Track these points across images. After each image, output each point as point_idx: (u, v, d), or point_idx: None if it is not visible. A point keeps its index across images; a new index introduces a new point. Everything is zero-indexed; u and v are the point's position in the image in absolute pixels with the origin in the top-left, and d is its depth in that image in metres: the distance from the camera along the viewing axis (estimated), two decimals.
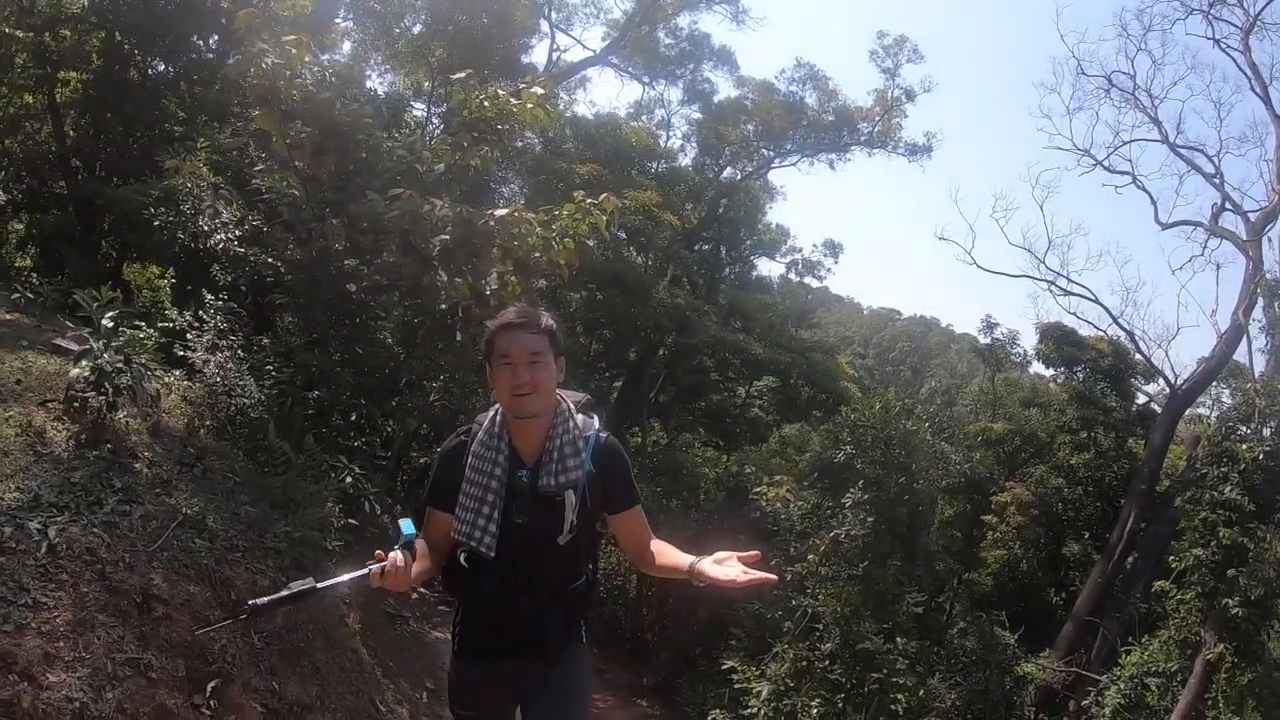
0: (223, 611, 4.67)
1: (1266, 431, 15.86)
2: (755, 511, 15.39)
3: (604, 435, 2.96)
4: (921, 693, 11.95)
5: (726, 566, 2.63)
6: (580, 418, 2.94)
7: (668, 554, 2.94)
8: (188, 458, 5.62)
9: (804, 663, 11.93)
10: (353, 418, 7.80)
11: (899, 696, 11.46)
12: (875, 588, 12.59)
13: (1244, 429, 16.10)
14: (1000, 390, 29.06)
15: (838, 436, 15.28)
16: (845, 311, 58.75)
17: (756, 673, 12.16)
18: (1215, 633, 14.14)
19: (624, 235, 21.59)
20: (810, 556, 13.06)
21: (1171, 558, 16.28)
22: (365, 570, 2.56)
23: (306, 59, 6.96)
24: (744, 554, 2.64)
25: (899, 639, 12.15)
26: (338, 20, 18.87)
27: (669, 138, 28.96)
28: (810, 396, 25.01)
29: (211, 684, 4.34)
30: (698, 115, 28.25)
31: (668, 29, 27.26)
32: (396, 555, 2.54)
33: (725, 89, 28.51)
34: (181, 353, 6.81)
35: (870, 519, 13.17)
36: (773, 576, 2.69)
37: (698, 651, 15.64)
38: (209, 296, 7.31)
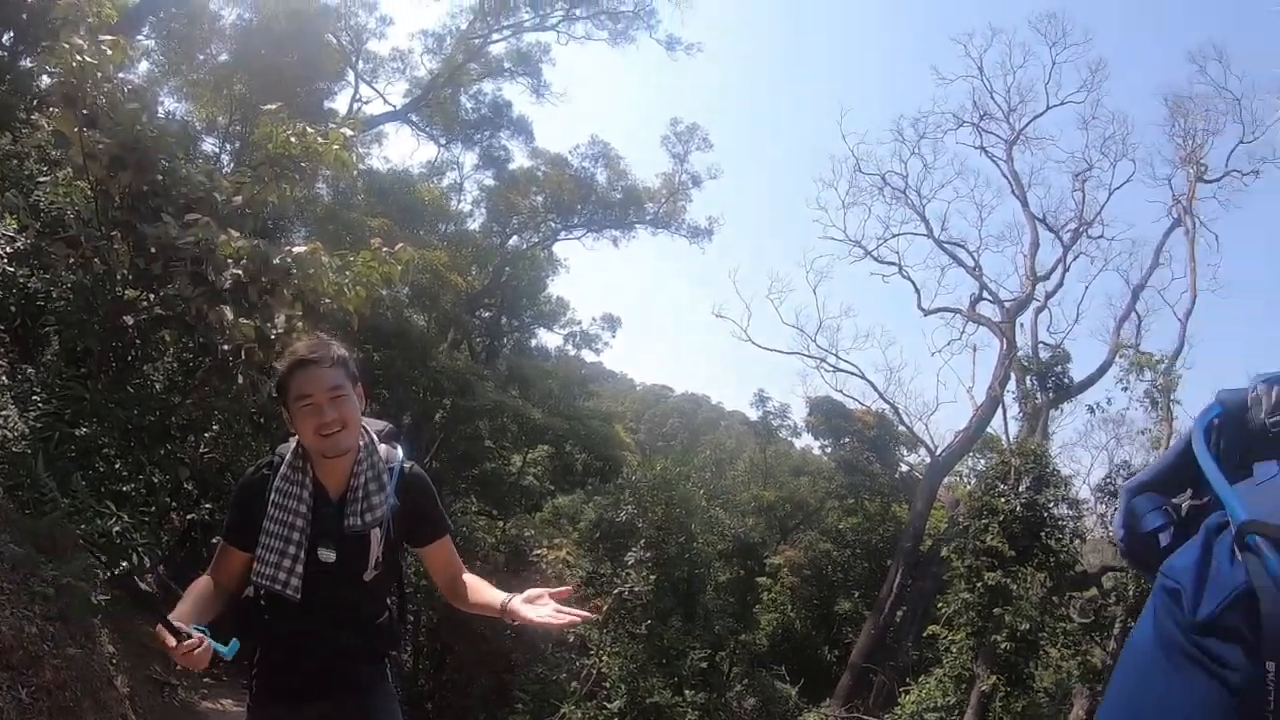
0: None
1: (1022, 487, 17.74)
2: (537, 575, 15.27)
3: (408, 466, 2.87)
4: None
5: (539, 605, 2.61)
6: (384, 448, 2.85)
7: (481, 591, 2.87)
8: None
9: None
10: (116, 465, 7.15)
11: None
12: (659, 644, 12.75)
13: (1002, 486, 17.89)
14: (771, 461, 30.43)
15: (619, 497, 15.54)
16: (618, 387, 59.78)
17: None
18: (987, 667, 15.52)
19: (408, 294, 21.21)
20: (594, 617, 13.08)
21: (940, 605, 17.83)
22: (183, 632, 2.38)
23: (121, 62, 6.48)
24: (555, 590, 2.63)
25: (687, 691, 12.30)
26: (139, 37, 17.70)
27: (460, 201, 29.06)
28: (586, 464, 25.22)
29: None
30: (490, 181, 28.60)
31: (470, 94, 27.61)
32: (198, 648, 2.36)
33: (520, 158, 29.03)
34: None
35: (653, 576, 13.39)
36: (588, 614, 2.75)
37: (481, 718, 15.15)
38: None
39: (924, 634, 18.45)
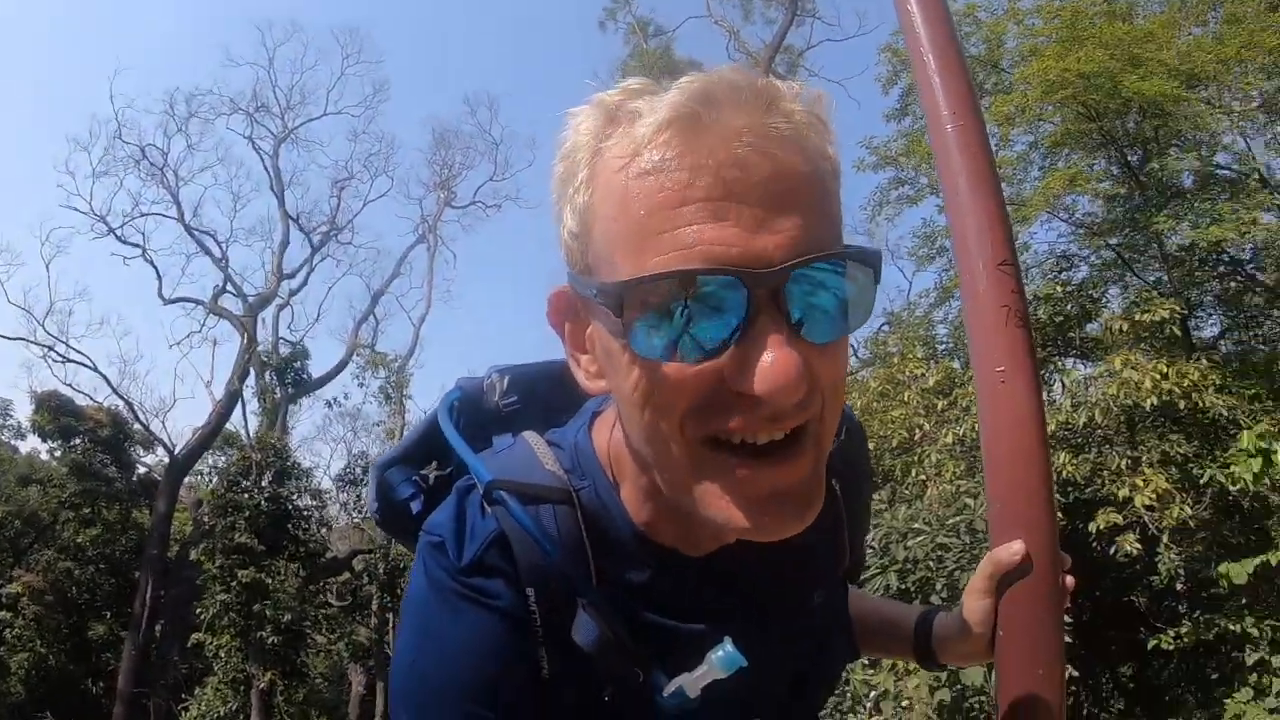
0: None
1: (265, 481, 18.72)
2: None
3: None
4: None
5: None
6: None
7: None
8: None
9: None
10: None
11: None
12: None
13: (245, 482, 18.69)
14: None
15: None
16: None
17: None
18: (260, 665, 16.17)
19: None
20: None
21: (199, 610, 17.83)
22: None
23: None
24: None
25: None
26: None
27: None
28: None
29: None
30: None
31: None
32: None
33: None
34: None
35: None
36: None
37: None
38: None
39: (189, 644, 18.55)
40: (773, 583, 1.08)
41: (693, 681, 0.96)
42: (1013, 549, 1.13)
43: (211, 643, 17.00)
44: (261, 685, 16.18)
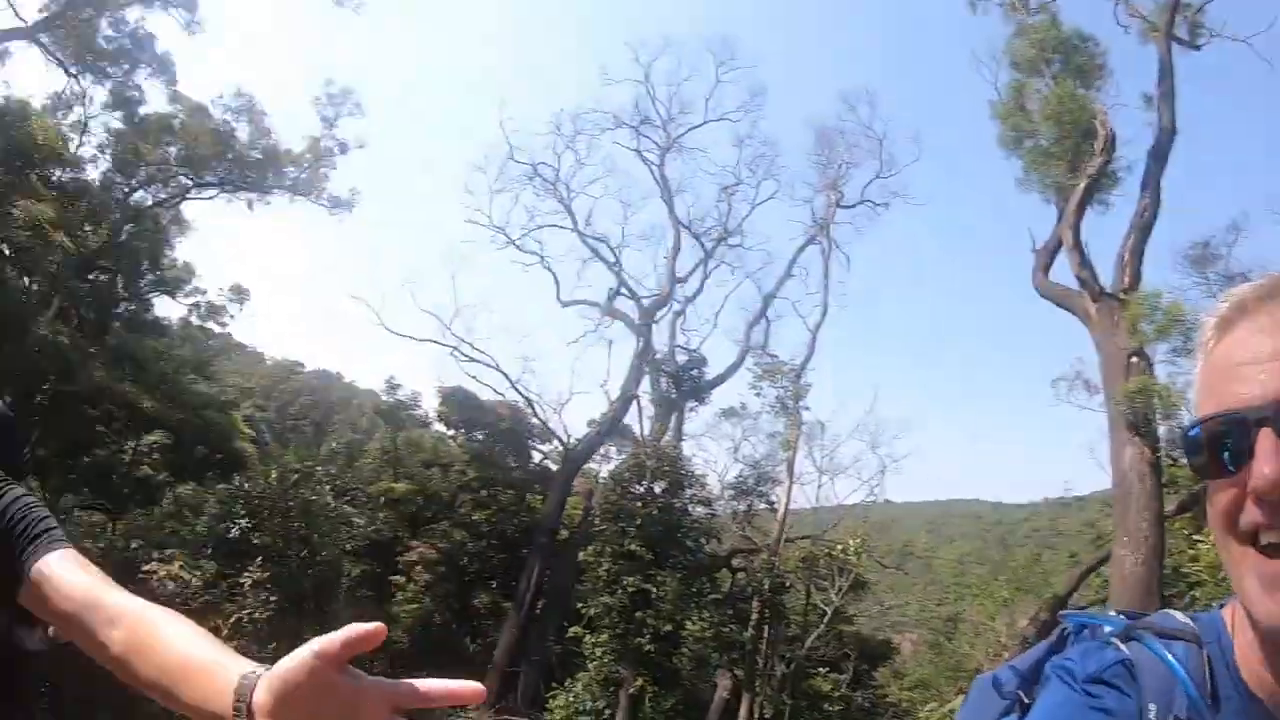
0: None
1: (658, 489, 18.49)
2: (146, 595, 13.53)
3: None
4: None
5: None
6: None
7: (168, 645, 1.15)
8: None
9: None
10: None
11: None
12: None
13: (639, 488, 18.50)
14: (402, 450, 29.28)
15: (231, 509, 14.45)
16: (247, 361, 55.40)
17: None
18: (632, 668, 16.04)
19: (6, 252, 17.98)
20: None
21: (580, 605, 18.28)
22: None
23: None
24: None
25: None
26: None
27: (82, 143, 24.70)
28: (204, 456, 23.07)
29: None
30: (119, 124, 24.81)
31: (113, 19, 23.71)
32: None
33: (157, 101, 25.63)
34: None
35: (273, 599, 12.61)
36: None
37: None
38: None
39: (566, 632, 18.90)
40: None
41: None
42: None
43: (589, 640, 17.14)
44: (631, 690, 15.98)
